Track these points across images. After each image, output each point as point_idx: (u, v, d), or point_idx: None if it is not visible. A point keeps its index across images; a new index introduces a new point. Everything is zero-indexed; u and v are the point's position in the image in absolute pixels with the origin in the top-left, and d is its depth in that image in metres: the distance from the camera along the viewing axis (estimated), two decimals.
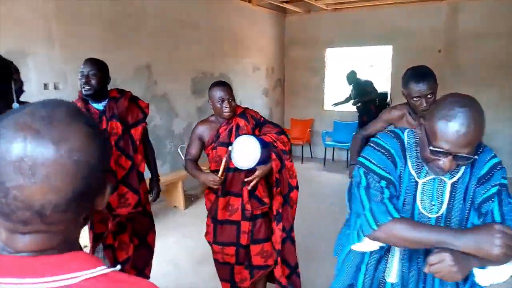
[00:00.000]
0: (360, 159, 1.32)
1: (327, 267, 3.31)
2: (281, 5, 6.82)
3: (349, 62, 8.56)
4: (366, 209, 1.21)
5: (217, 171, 2.31)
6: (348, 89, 7.08)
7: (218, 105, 2.33)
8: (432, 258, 1.08)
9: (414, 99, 2.09)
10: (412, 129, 1.35)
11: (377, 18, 6.94)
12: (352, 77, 6.88)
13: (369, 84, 6.74)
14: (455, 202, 1.27)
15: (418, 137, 1.27)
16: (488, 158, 1.27)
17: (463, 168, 1.26)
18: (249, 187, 2.30)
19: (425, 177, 1.28)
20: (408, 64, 2.34)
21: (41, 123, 0.54)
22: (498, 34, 6.07)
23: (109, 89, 2.46)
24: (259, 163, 2.21)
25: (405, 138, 1.32)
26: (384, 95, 6.80)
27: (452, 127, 1.08)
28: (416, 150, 1.29)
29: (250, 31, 6.74)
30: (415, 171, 1.28)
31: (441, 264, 1.06)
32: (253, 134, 2.35)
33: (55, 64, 3.77)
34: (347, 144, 6.95)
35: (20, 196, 0.53)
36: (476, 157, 1.16)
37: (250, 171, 2.28)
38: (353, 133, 6.82)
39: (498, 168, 1.25)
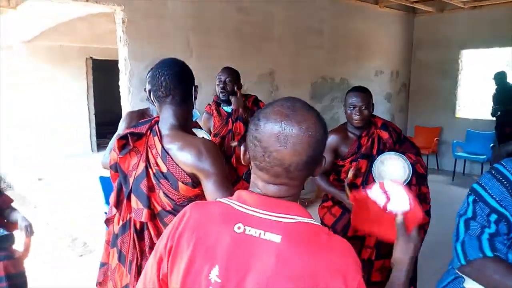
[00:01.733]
0: (474, 185, 1.16)
1: None
2: (411, 5, 6.42)
3: (488, 65, 7.62)
4: (458, 241, 1.13)
5: (353, 184, 2.23)
6: (488, 94, 6.23)
7: (349, 111, 2.26)
8: None
9: None
10: None
11: None
12: (500, 78, 6.02)
13: None
14: None
15: None
16: None
17: None
18: None
19: None
20: None
21: (288, 110, 0.82)
22: None
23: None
24: None
25: None
26: None
27: None
28: None
29: (375, 34, 6.50)
30: None
31: None
32: (394, 150, 2.25)
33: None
34: (483, 157, 6.20)
35: (277, 156, 0.80)
36: None
37: None
38: (491, 145, 6.13)
39: None
